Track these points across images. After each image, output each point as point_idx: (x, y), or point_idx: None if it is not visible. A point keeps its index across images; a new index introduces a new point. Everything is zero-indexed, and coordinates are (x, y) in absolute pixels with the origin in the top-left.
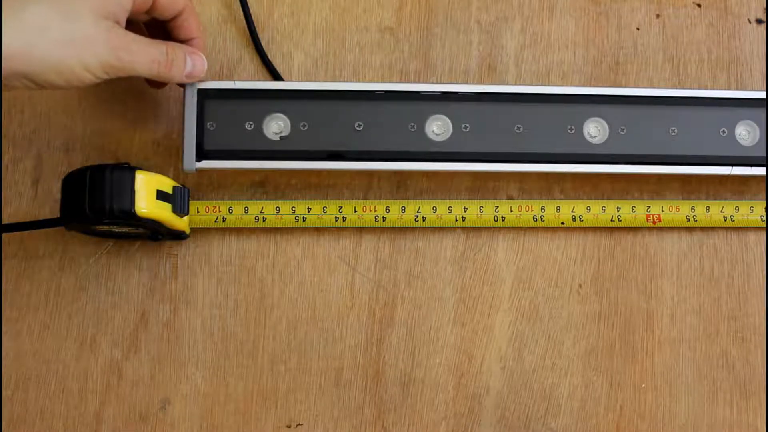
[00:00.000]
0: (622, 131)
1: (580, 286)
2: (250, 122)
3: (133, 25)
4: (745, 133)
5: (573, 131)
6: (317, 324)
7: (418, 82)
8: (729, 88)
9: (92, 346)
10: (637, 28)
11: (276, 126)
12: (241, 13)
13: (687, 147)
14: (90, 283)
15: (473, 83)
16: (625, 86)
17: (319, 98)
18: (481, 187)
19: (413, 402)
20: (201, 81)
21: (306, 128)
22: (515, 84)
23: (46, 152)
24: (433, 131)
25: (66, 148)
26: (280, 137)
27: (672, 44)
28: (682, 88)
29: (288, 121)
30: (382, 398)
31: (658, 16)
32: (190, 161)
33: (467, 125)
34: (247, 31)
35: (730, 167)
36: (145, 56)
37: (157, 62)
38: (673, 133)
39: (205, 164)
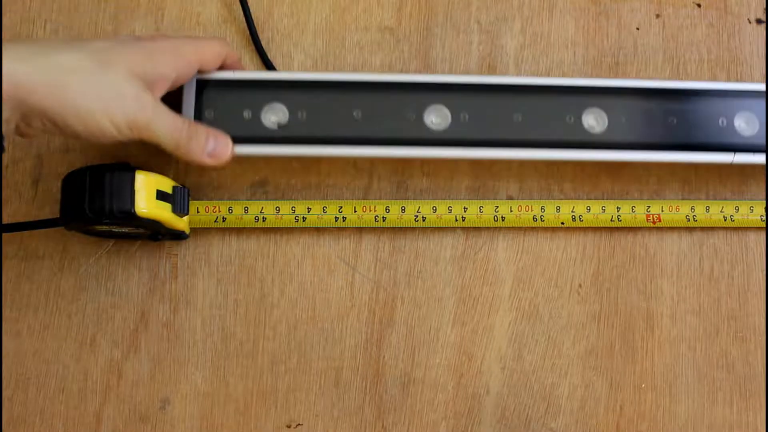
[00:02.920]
0: (621, 122)
1: (580, 286)
2: (248, 111)
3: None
4: (744, 125)
5: (572, 121)
6: (317, 324)
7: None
8: None
9: (92, 346)
10: (637, 28)
11: (274, 115)
12: (241, 13)
13: (686, 137)
14: (90, 283)
15: None
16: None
17: (317, 88)
18: (481, 186)
19: (413, 402)
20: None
21: (304, 118)
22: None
23: (46, 152)
24: (431, 121)
25: (66, 148)
26: (278, 126)
27: (672, 44)
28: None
29: (286, 110)
30: (382, 398)
31: (658, 16)
32: None
33: (466, 115)
34: (247, 31)
35: (733, 153)
36: (169, 123)
37: (179, 131)
38: (672, 124)
39: None
